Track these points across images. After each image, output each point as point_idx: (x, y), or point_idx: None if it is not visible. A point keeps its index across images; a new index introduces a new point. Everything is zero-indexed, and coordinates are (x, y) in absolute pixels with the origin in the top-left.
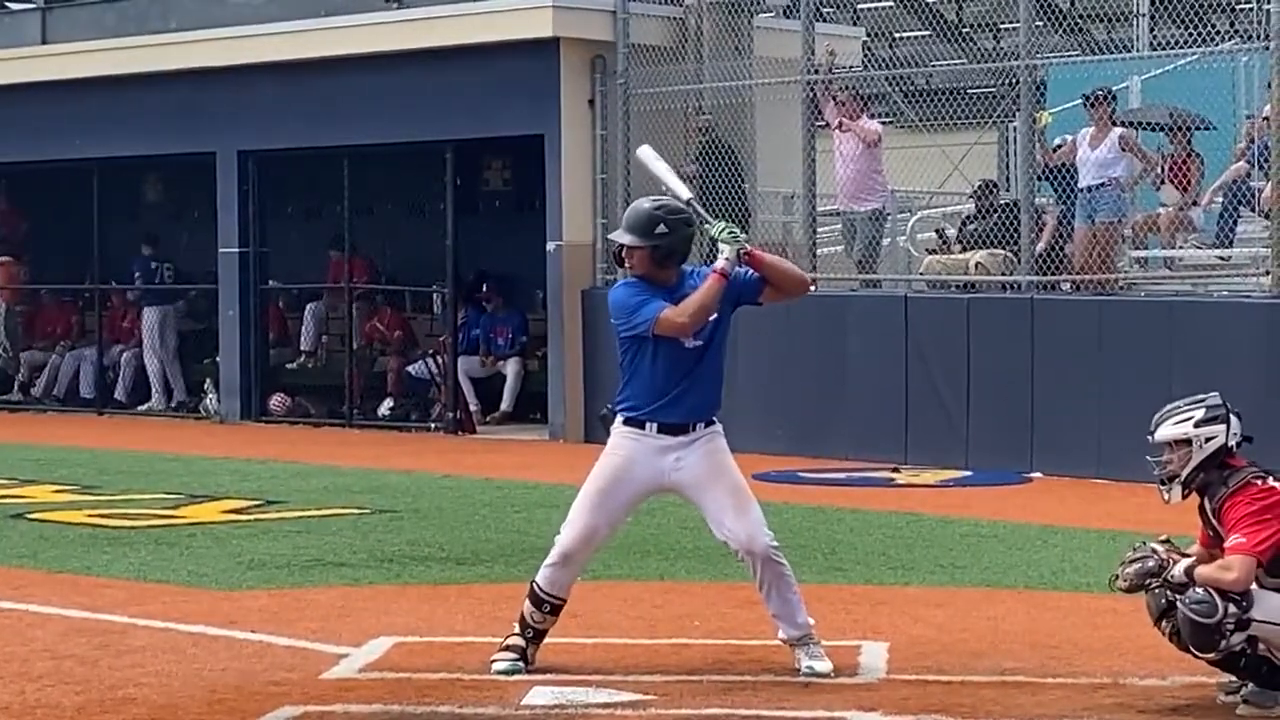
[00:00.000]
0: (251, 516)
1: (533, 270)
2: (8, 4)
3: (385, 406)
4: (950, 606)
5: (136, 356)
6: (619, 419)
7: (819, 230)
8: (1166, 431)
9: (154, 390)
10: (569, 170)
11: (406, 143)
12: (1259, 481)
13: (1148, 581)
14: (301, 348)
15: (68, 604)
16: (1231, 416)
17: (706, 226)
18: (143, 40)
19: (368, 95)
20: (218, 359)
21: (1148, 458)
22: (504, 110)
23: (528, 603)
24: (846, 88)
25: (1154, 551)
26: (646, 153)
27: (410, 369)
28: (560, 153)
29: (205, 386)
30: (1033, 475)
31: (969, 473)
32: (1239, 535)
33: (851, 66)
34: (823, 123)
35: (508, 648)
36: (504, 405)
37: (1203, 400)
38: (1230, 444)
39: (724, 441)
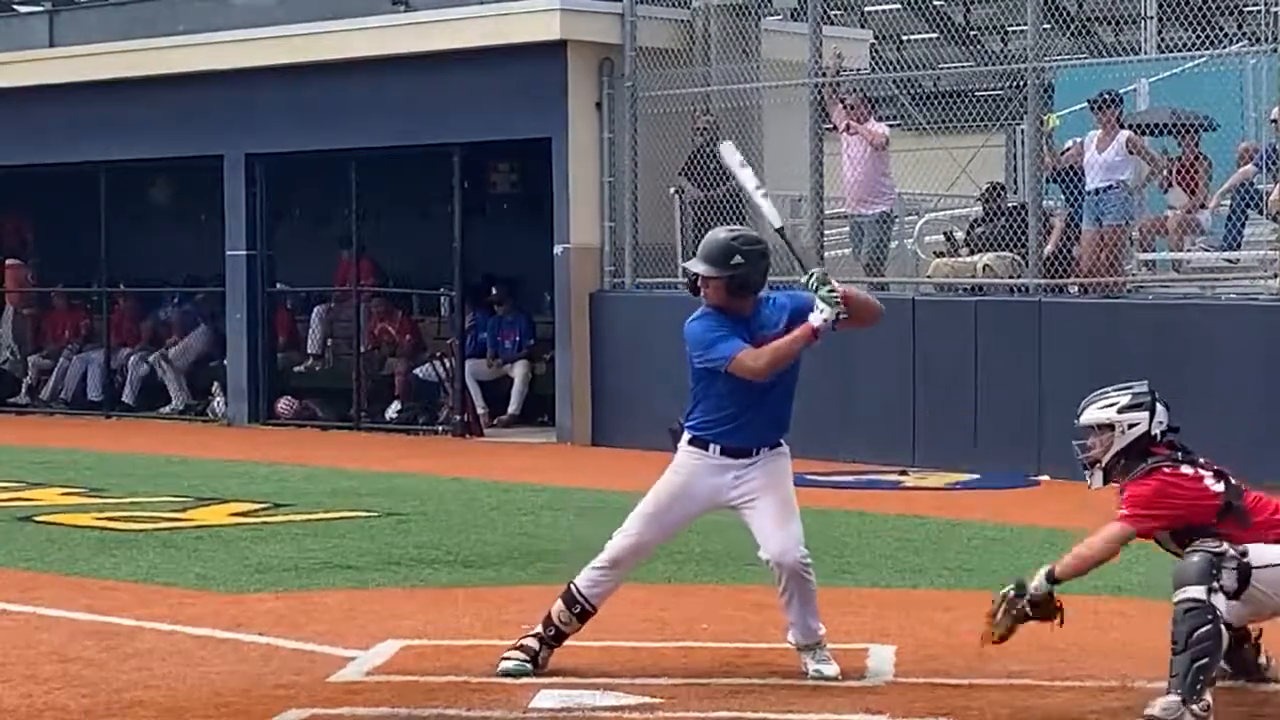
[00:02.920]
0: (259, 519)
1: (540, 273)
2: (15, 7)
3: (393, 409)
4: (958, 609)
5: (144, 359)
6: (685, 436)
7: (826, 233)
8: (1090, 416)
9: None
10: (576, 173)
11: (414, 146)
12: (1168, 468)
13: (1015, 608)
14: (309, 351)
15: (75, 607)
16: (1158, 405)
17: (803, 278)
18: (150, 43)
19: (375, 98)
20: (225, 362)
21: (1073, 442)
22: (511, 113)
23: (559, 602)
24: (854, 90)
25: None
26: (730, 154)
27: (418, 372)
28: (567, 155)
29: (213, 389)
30: (1040, 478)
31: (977, 476)
32: (1124, 508)
33: (859, 69)
34: (830, 125)
35: (520, 647)
36: (511, 408)
37: (1130, 387)
38: (1154, 432)
39: (787, 462)
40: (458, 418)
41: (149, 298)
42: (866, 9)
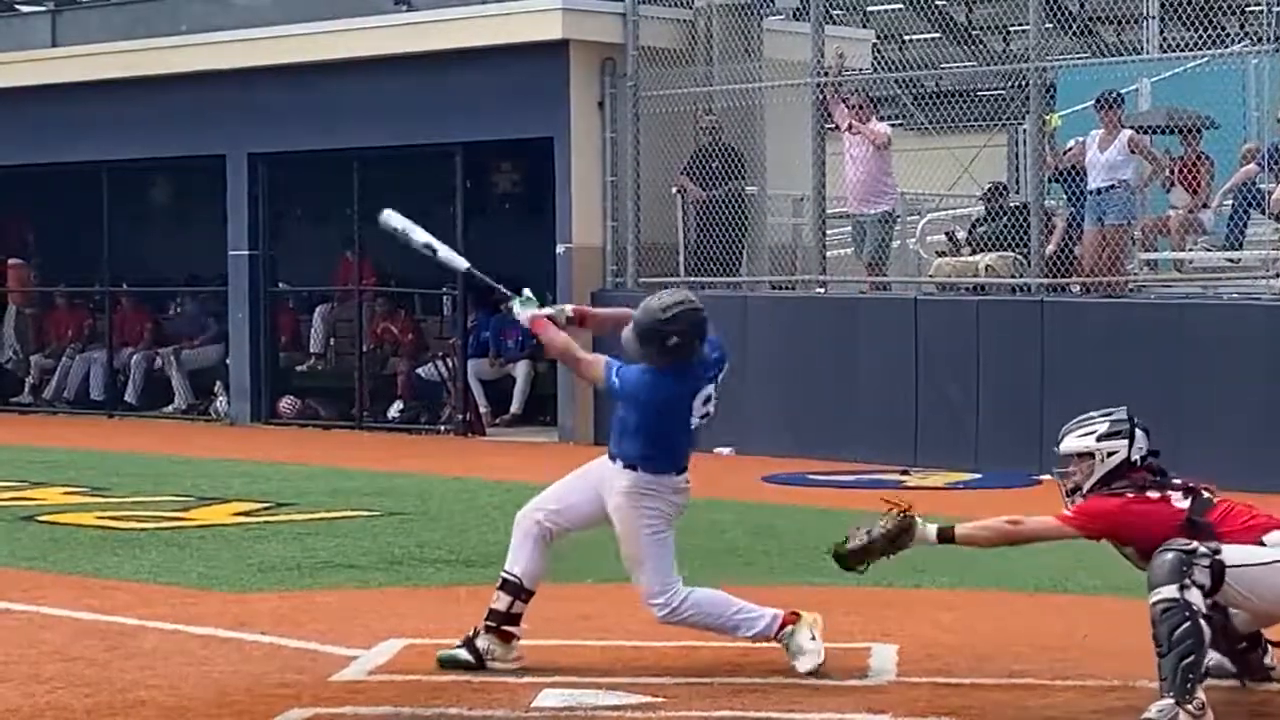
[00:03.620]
0: (261, 519)
1: (542, 273)
2: (17, 6)
3: (395, 409)
4: (960, 609)
5: (146, 359)
6: None
7: (829, 233)
8: (1070, 444)
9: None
10: (578, 173)
11: (416, 145)
12: (1133, 494)
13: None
14: (311, 350)
15: (78, 606)
16: (1137, 431)
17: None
18: (152, 43)
19: (377, 98)
20: (227, 362)
21: (1054, 470)
22: (514, 113)
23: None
24: (856, 90)
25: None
26: (392, 220)
27: (420, 371)
28: (570, 155)
29: (215, 389)
30: (1042, 478)
31: (979, 475)
32: (1070, 511)
33: (861, 69)
34: (832, 125)
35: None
36: (513, 408)
37: (1109, 414)
38: (1133, 459)
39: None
40: (460, 417)
41: (151, 297)
42: (868, 9)
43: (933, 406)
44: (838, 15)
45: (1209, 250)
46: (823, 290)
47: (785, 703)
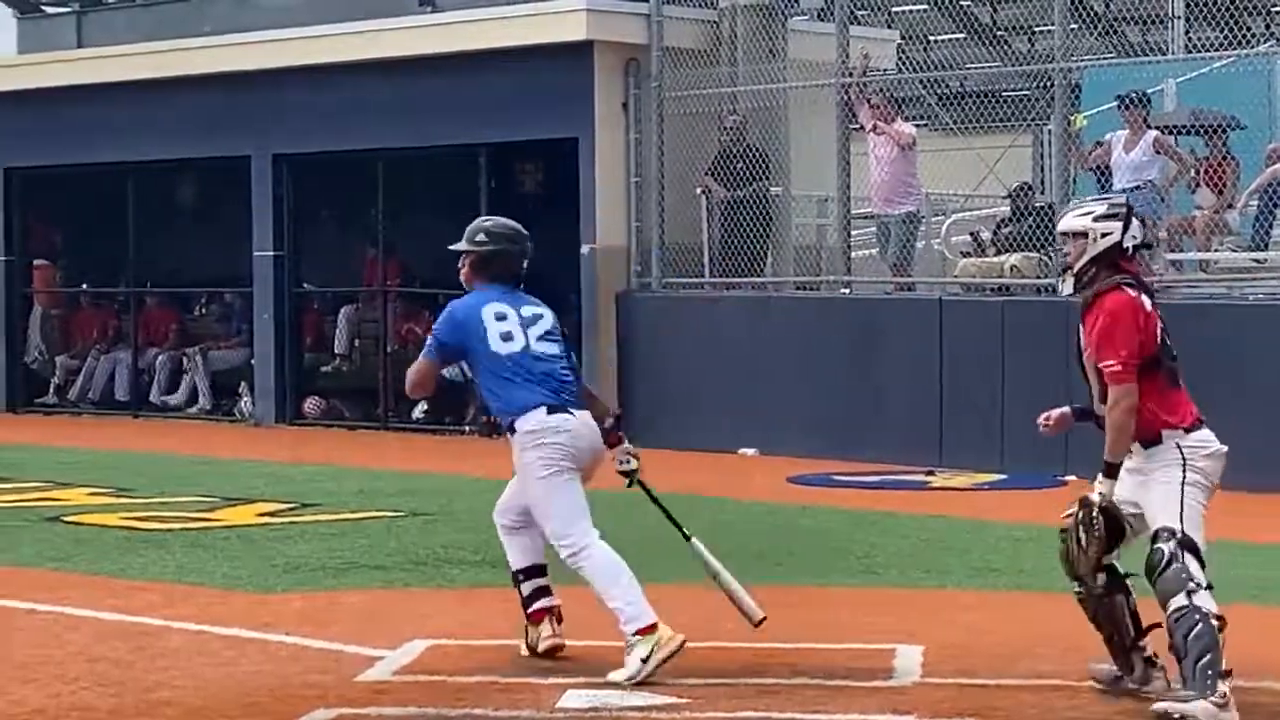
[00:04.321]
0: (286, 519)
1: (566, 273)
2: (43, 8)
3: (419, 409)
4: (985, 609)
5: (172, 359)
6: None
7: (853, 233)
8: (1066, 223)
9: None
10: (603, 173)
11: (440, 146)
12: (1130, 290)
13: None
14: (336, 351)
15: (102, 606)
16: (1133, 219)
17: None
18: (178, 44)
19: (402, 98)
20: (252, 362)
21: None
22: (538, 113)
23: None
24: (881, 90)
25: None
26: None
27: (444, 372)
28: (594, 156)
29: (240, 389)
30: (1068, 478)
31: (1004, 476)
32: (1108, 363)
33: (886, 69)
34: (857, 126)
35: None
36: None
37: (1107, 198)
38: (1126, 244)
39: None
40: (484, 418)
41: (176, 298)
42: (893, 9)
43: (957, 407)
44: (862, 15)
45: (1234, 251)
46: (847, 291)
47: (810, 704)
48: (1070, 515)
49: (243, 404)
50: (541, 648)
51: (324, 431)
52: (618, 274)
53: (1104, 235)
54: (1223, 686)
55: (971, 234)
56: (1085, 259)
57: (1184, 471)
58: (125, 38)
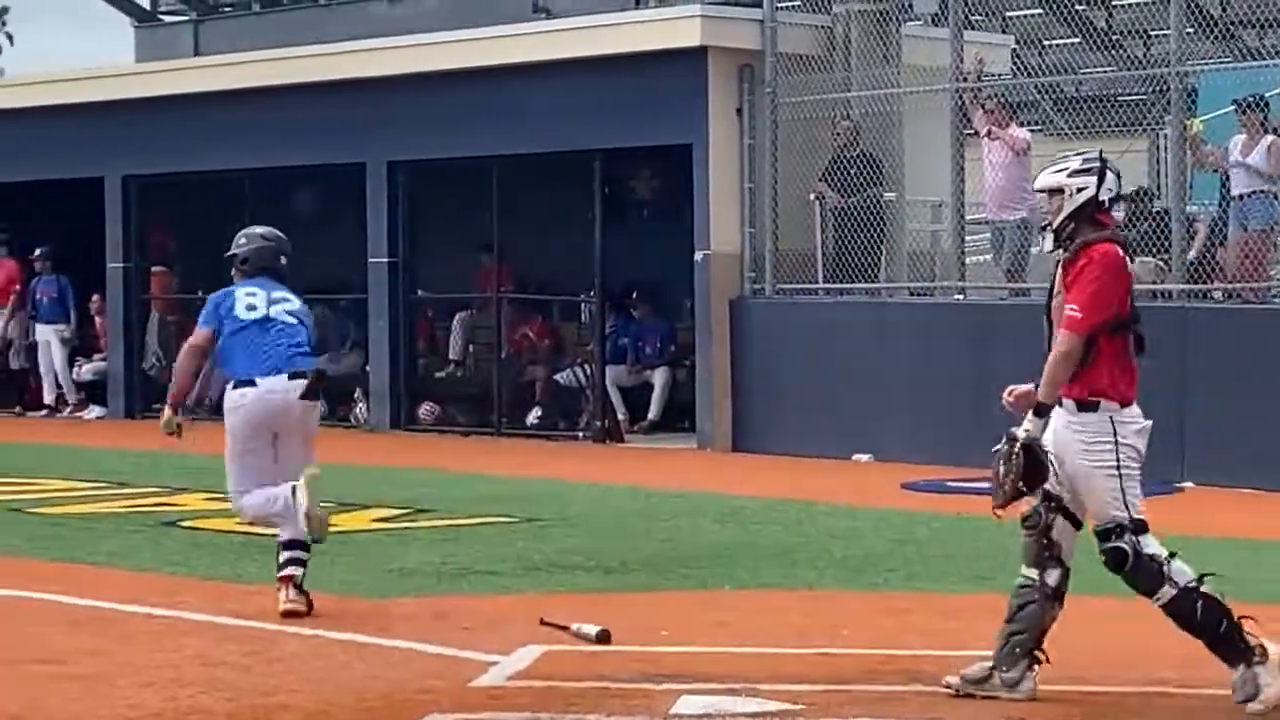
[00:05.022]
0: (401, 525)
1: (680, 279)
2: (161, 16)
3: (533, 415)
4: (1099, 616)
5: None
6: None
7: (967, 239)
8: (1042, 180)
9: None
10: (716, 179)
11: (555, 152)
12: (1117, 246)
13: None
14: (450, 357)
15: (219, 611)
16: (1108, 172)
17: None
18: (293, 52)
19: (516, 105)
20: (367, 368)
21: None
22: (652, 119)
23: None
24: (995, 95)
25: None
26: None
27: (558, 377)
28: (708, 162)
29: (355, 396)
30: (1184, 485)
31: None
32: (1075, 308)
33: (1000, 74)
34: (971, 131)
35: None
36: (651, 414)
37: (1082, 152)
38: (1101, 198)
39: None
40: (598, 423)
41: None
42: (1008, 14)
43: None
44: (977, 21)
45: None
46: (961, 297)
47: (924, 710)
48: (996, 450)
49: (357, 410)
50: (281, 609)
51: (438, 437)
52: (731, 280)
53: (1080, 190)
54: (1248, 639)
55: None
56: (1063, 214)
57: (1117, 451)
58: (241, 45)
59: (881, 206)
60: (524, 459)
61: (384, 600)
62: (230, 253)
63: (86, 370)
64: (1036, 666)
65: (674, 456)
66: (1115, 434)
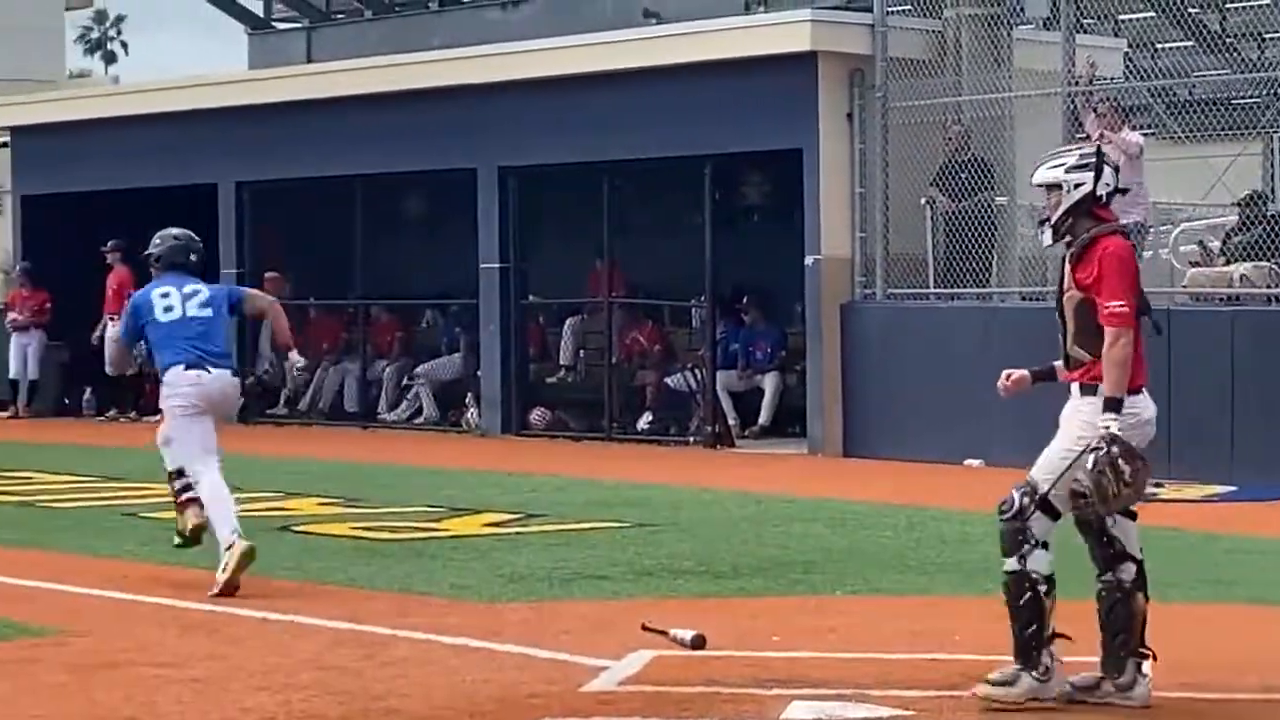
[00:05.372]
0: (512, 530)
1: (791, 284)
2: (274, 23)
3: (644, 420)
4: (1215, 623)
5: (399, 370)
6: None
7: None
8: (1040, 175)
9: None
10: (827, 184)
11: (665, 157)
12: (1122, 237)
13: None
14: (561, 362)
15: (332, 615)
16: (1105, 167)
17: None
18: (405, 58)
19: (627, 110)
20: (478, 373)
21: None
22: (762, 124)
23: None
24: (1107, 99)
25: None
26: None
27: (669, 381)
28: (818, 166)
29: (466, 401)
30: None
31: (1234, 488)
32: (1116, 302)
33: (1112, 78)
34: (1083, 135)
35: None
36: (762, 419)
37: (1079, 147)
38: (1100, 193)
39: None
40: (709, 429)
41: (402, 309)
42: (1120, 17)
43: (1186, 418)
44: (1089, 24)
45: None
46: None
47: (1038, 718)
48: (1096, 461)
49: (469, 415)
50: (192, 524)
51: (549, 442)
52: (842, 285)
53: (1077, 186)
54: (1045, 659)
55: (1200, 243)
56: (1061, 210)
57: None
58: (353, 52)
59: (993, 211)
60: (635, 464)
61: (495, 604)
62: (146, 253)
63: None
64: (1147, 666)
65: (784, 462)
66: None
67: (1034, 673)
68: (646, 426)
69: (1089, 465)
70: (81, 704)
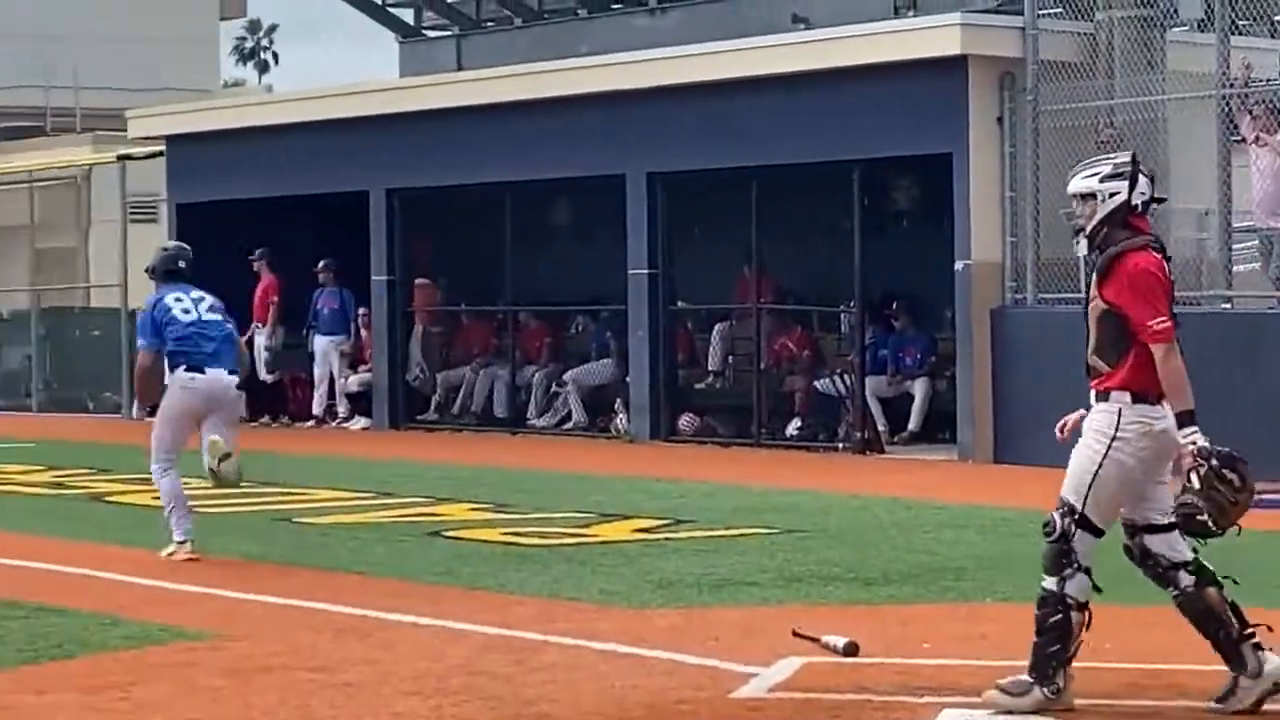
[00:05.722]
0: (661, 535)
1: (940, 289)
2: (424, 32)
3: (793, 426)
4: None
5: (548, 376)
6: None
7: (1234, 247)
8: (1075, 184)
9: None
10: (977, 188)
11: (814, 162)
12: (1155, 252)
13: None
14: (709, 368)
15: (482, 621)
16: (1140, 176)
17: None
18: (554, 65)
19: (775, 115)
20: (627, 379)
21: (1060, 211)
22: (911, 129)
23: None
24: (1263, 101)
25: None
26: None
27: (818, 384)
28: (968, 171)
29: (615, 406)
30: None
31: None
32: (1157, 320)
33: (1268, 79)
34: (1238, 137)
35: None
36: (911, 425)
37: (1113, 157)
38: (1135, 203)
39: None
40: (858, 434)
41: (551, 315)
42: (1276, 18)
43: None
44: (1244, 25)
45: None
46: (1229, 306)
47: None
48: (1200, 487)
49: (618, 421)
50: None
51: (698, 448)
52: (992, 290)
53: (1112, 195)
54: (1060, 680)
55: None
56: (1096, 220)
57: (1110, 445)
58: (503, 59)
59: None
60: (784, 470)
61: (644, 610)
62: (145, 267)
63: (353, 381)
64: (1262, 643)
65: (934, 468)
66: (1116, 427)
67: (1046, 689)
68: (795, 432)
69: (1195, 485)
70: (238, 707)
